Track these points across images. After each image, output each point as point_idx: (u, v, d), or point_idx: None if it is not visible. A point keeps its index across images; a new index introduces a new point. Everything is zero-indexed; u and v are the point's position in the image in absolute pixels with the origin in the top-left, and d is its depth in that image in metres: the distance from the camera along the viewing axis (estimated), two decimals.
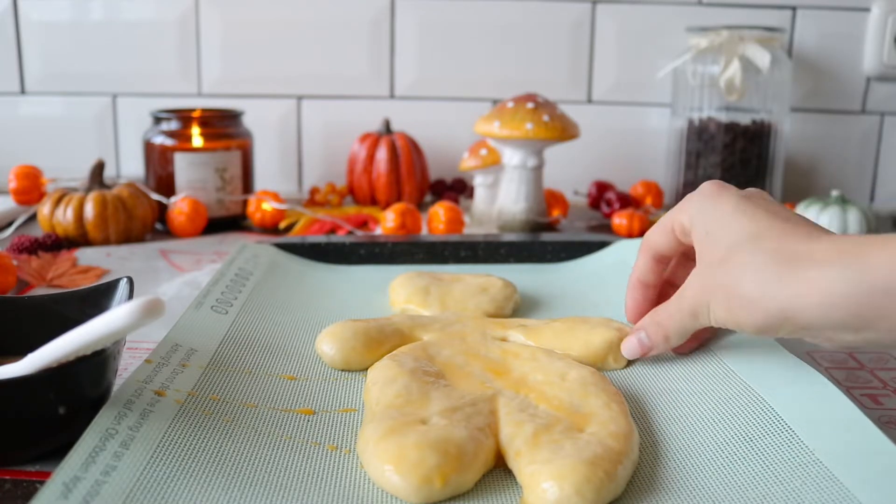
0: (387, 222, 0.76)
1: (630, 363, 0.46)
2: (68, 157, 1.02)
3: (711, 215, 0.40)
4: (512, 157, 0.80)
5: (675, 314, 0.41)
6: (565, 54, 1.03)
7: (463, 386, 0.40)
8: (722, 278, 0.38)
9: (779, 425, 0.36)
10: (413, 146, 0.95)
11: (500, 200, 0.82)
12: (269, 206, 0.83)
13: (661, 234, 0.44)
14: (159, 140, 0.83)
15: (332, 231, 0.81)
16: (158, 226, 0.84)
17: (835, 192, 0.78)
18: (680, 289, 0.41)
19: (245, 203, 0.86)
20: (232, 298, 0.52)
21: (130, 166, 1.04)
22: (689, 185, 0.93)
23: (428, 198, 1.01)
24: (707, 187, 0.41)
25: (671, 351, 0.45)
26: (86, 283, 0.64)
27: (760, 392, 0.39)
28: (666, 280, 0.47)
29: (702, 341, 0.45)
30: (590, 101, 1.04)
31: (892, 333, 0.32)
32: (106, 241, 0.76)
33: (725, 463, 0.34)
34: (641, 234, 0.81)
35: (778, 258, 0.35)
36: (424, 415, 0.36)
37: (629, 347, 0.44)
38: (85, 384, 0.36)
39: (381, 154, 0.93)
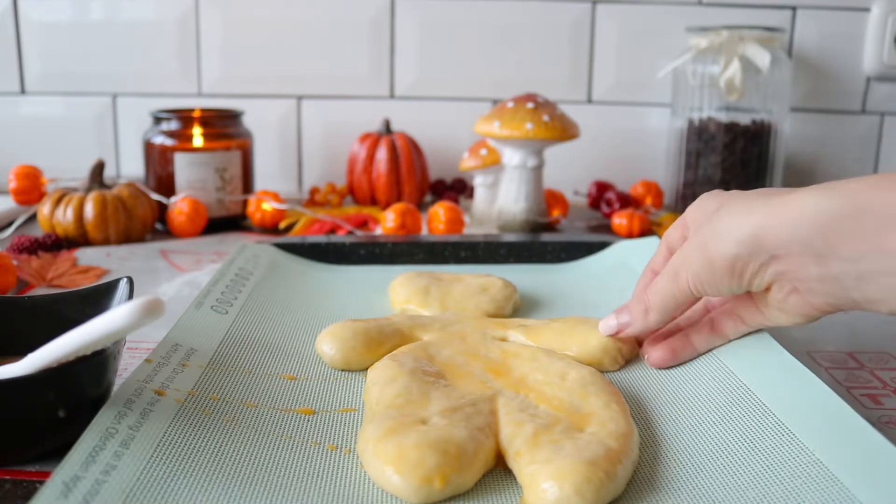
0: (387, 222, 0.76)
1: (625, 364, 0.46)
2: (68, 157, 1.02)
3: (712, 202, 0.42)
4: (512, 157, 0.80)
5: (657, 281, 0.43)
6: (565, 54, 1.03)
7: (463, 386, 0.40)
8: (702, 233, 0.40)
9: (778, 426, 0.36)
10: (413, 146, 0.95)
11: (500, 200, 0.82)
12: (269, 206, 0.83)
13: (674, 227, 0.46)
14: (159, 140, 0.83)
15: (332, 231, 0.81)
16: (158, 226, 0.84)
17: None
18: None
19: (245, 203, 0.86)
20: (232, 298, 0.52)
21: (130, 166, 1.04)
22: (688, 185, 0.93)
23: (428, 198, 1.01)
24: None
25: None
26: (86, 283, 0.64)
27: (759, 394, 0.39)
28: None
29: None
30: (590, 101, 1.04)
31: (854, 265, 0.34)
32: (106, 241, 0.76)
33: (725, 463, 0.34)
34: (642, 234, 0.81)
35: (754, 196, 0.38)
36: (424, 415, 0.36)
37: (605, 325, 0.45)
38: (85, 384, 0.36)
39: (381, 154, 0.93)
